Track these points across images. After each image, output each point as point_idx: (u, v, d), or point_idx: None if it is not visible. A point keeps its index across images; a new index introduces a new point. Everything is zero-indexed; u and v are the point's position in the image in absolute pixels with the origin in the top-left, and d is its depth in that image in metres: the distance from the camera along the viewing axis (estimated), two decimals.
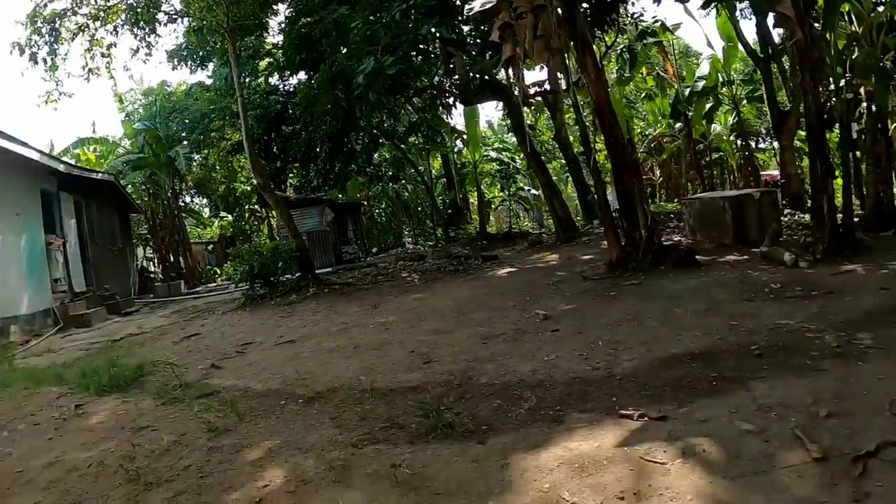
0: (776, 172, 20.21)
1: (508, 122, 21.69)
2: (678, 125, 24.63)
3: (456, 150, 27.03)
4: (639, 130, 28.51)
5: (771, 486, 2.96)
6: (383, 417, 4.39)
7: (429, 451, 3.78)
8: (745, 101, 23.32)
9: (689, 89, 21.66)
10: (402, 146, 23.40)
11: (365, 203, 29.09)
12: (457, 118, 23.82)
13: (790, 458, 3.17)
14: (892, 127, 12.08)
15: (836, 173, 10.04)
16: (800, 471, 3.05)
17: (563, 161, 23.29)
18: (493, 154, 28.11)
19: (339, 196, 23.98)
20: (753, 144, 27.78)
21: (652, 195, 27.24)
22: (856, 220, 10.68)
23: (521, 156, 24.47)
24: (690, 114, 22.27)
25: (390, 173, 26.54)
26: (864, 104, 11.05)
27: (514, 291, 8.69)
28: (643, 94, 25.78)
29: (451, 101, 18.84)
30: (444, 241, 22.84)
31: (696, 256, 8.94)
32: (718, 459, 3.24)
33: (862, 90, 10.78)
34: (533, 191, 30.73)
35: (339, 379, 5.43)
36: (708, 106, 21.72)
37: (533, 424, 3.88)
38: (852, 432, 3.35)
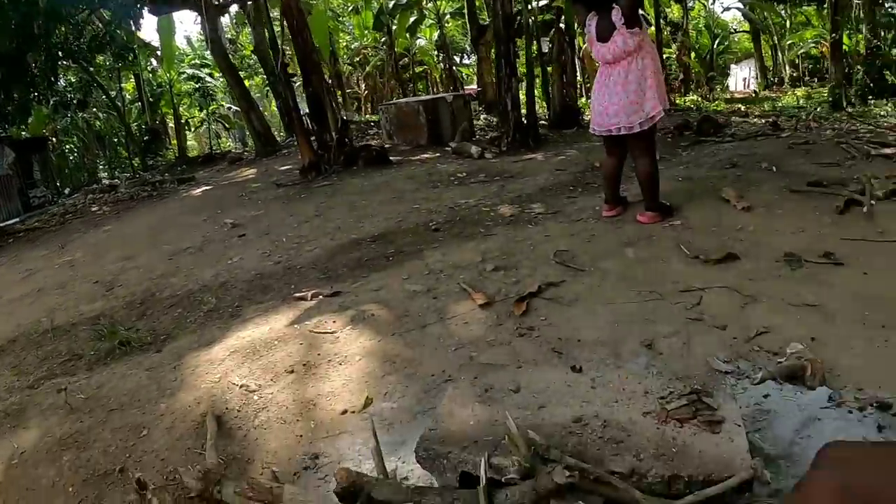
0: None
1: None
2: (383, 38, 25.21)
3: (150, 68, 23.87)
4: (344, 44, 28.42)
5: (438, 335, 3.18)
6: (63, 353, 3.94)
7: (105, 373, 3.47)
8: (448, 17, 24.74)
9: (393, 2, 22.09)
10: (89, 68, 19.81)
11: (53, 139, 24.33)
12: (152, 33, 20.81)
13: (458, 308, 3.44)
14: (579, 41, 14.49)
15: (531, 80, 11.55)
16: (466, 318, 3.32)
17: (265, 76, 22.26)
18: (189, 72, 25.51)
19: (22, 132, 19.68)
20: (458, 59, 29.88)
21: (358, 109, 27.79)
22: (543, 122, 12.46)
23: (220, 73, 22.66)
24: (394, 27, 22.91)
25: (77, 99, 22.40)
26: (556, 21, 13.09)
27: (207, 207, 8.25)
28: (350, 7, 25.63)
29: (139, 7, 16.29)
30: (141, 171, 20.53)
31: (391, 157, 9.32)
32: (387, 320, 3.39)
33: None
34: (234, 107, 28.83)
35: (21, 327, 4.70)
36: (412, 19, 22.44)
37: (210, 324, 3.77)
38: (518, 280, 3.74)
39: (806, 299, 3.09)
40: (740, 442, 1.92)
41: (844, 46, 17.66)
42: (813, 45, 26.50)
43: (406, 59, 26.26)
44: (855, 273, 3.31)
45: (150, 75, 23.92)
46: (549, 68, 12.74)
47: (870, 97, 15.54)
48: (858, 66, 16.40)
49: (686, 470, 1.83)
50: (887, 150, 5.47)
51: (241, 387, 2.96)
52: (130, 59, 21.10)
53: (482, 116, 17.10)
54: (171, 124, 28.00)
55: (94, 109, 25.60)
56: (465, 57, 31.47)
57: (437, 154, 9.88)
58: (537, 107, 12.12)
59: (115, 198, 12.41)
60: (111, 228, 8.56)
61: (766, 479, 1.88)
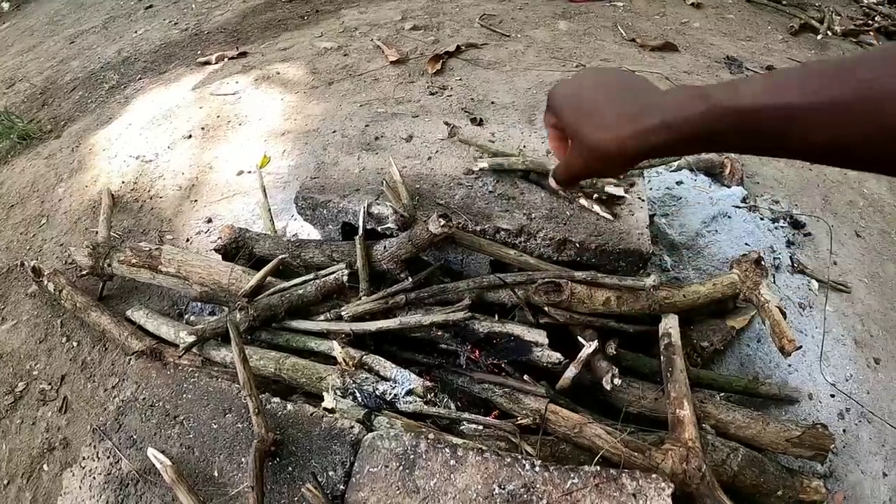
0: None
1: None
2: None
3: None
4: None
5: (344, 92, 2.92)
6: None
7: (5, 171, 3.21)
8: None
9: None
10: None
11: None
12: None
13: (369, 66, 3.15)
14: None
15: None
16: (376, 75, 3.05)
17: None
18: None
19: None
20: None
21: None
22: None
23: None
24: None
25: None
26: None
27: None
28: None
29: None
30: None
31: None
32: (293, 78, 3.10)
33: None
34: None
35: None
36: None
37: (110, 101, 3.40)
38: (437, 40, 3.40)
39: None
40: (641, 216, 1.71)
41: None
42: None
43: None
44: None
45: None
46: None
47: None
48: None
49: (578, 236, 1.63)
50: None
51: (137, 158, 2.70)
52: None
53: None
54: None
55: None
56: None
57: None
58: None
59: None
60: (11, 24, 7.63)
61: (667, 265, 1.69)
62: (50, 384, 2.08)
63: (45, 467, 1.93)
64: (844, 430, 1.64)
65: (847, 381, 1.75)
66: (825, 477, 1.54)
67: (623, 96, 0.57)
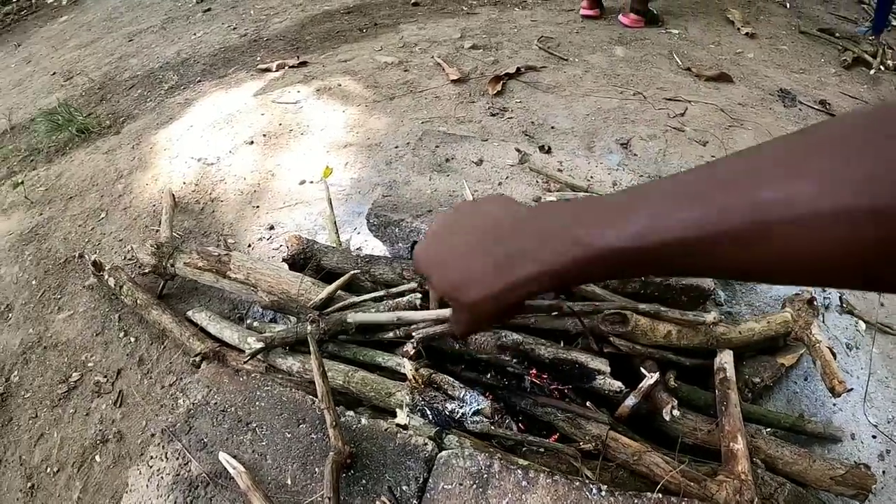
0: None
1: None
2: None
3: None
4: None
5: (405, 108, 2.96)
6: (23, 149, 3.73)
7: (64, 162, 3.30)
8: None
9: None
10: None
11: None
12: None
13: (429, 83, 3.19)
14: None
15: None
16: (437, 93, 3.08)
17: None
18: None
19: None
20: None
21: None
22: None
23: None
24: None
25: None
26: None
27: None
28: None
29: None
30: None
31: None
32: (354, 91, 3.13)
33: None
34: None
35: None
36: None
37: (170, 101, 3.47)
38: (496, 60, 3.43)
39: None
40: None
41: None
42: None
43: None
44: None
45: None
46: None
47: None
48: None
49: None
50: None
51: (198, 160, 2.77)
52: None
53: None
54: None
55: None
56: None
57: None
58: None
59: None
60: (68, 18, 7.84)
61: (721, 299, 1.69)
62: (105, 377, 2.12)
63: (97, 458, 1.97)
64: (884, 472, 1.65)
65: (889, 423, 1.76)
66: None
67: (486, 245, 0.53)
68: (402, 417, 1.38)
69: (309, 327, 1.59)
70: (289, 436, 1.38)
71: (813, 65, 3.75)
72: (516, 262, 0.50)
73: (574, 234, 0.46)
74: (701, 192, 0.39)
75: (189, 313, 2.03)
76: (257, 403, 1.45)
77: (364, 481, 1.26)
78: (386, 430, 1.34)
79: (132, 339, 2.17)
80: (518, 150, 1.97)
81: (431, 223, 0.63)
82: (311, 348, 1.36)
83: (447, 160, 2.03)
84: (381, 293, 1.64)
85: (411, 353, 1.54)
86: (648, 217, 0.41)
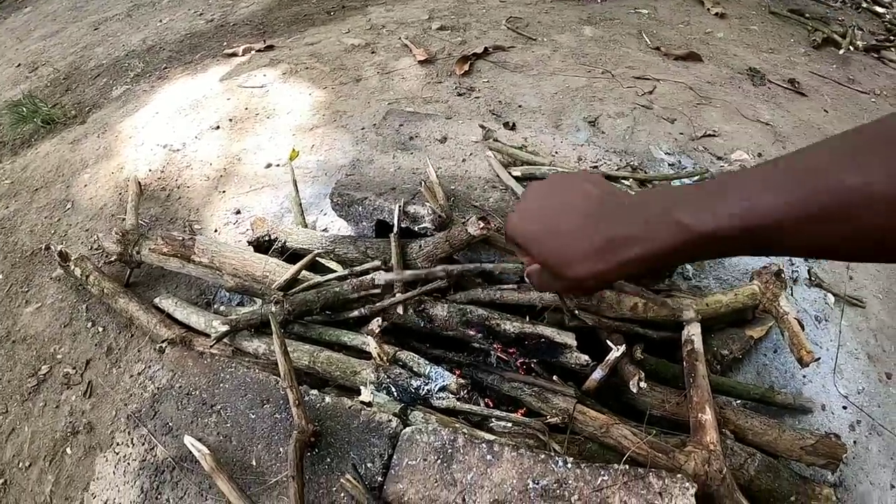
0: None
1: None
2: None
3: None
4: None
5: (372, 89, 2.94)
6: None
7: (30, 154, 3.25)
8: None
9: None
10: None
11: None
12: None
13: (396, 64, 3.17)
14: None
15: None
16: (404, 73, 3.07)
17: None
18: None
19: None
20: None
21: None
22: None
23: None
24: None
25: None
26: None
27: None
28: None
29: None
30: None
31: None
32: (321, 73, 3.12)
33: None
34: None
35: None
36: None
37: (136, 89, 3.43)
38: (464, 41, 3.42)
39: (761, 116, 2.91)
40: None
41: None
42: None
43: None
44: (815, 107, 3.09)
45: None
46: None
47: None
48: None
49: None
50: (879, 8, 4.70)
51: (164, 147, 2.74)
52: None
53: None
54: None
55: None
56: None
57: None
58: None
59: None
60: (33, 9, 7.67)
61: (689, 273, 1.73)
62: (74, 368, 2.11)
63: (68, 450, 1.96)
64: (855, 442, 1.68)
65: (859, 394, 1.79)
66: (835, 486, 1.58)
67: (590, 225, 0.57)
68: (366, 395, 1.40)
69: (273, 308, 1.60)
70: (253, 416, 1.39)
71: (783, 45, 3.80)
72: (621, 245, 0.54)
73: (676, 217, 0.50)
74: (790, 179, 0.44)
75: (156, 300, 2.03)
76: (221, 385, 1.47)
77: (329, 459, 1.29)
78: (350, 407, 1.36)
79: (100, 329, 2.16)
80: (482, 127, 1.99)
81: (522, 195, 0.67)
82: (273, 328, 1.37)
83: (411, 138, 2.04)
84: (346, 272, 1.65)
85: (376, 331, 1.56)
86: (745, 201, 0.46)
